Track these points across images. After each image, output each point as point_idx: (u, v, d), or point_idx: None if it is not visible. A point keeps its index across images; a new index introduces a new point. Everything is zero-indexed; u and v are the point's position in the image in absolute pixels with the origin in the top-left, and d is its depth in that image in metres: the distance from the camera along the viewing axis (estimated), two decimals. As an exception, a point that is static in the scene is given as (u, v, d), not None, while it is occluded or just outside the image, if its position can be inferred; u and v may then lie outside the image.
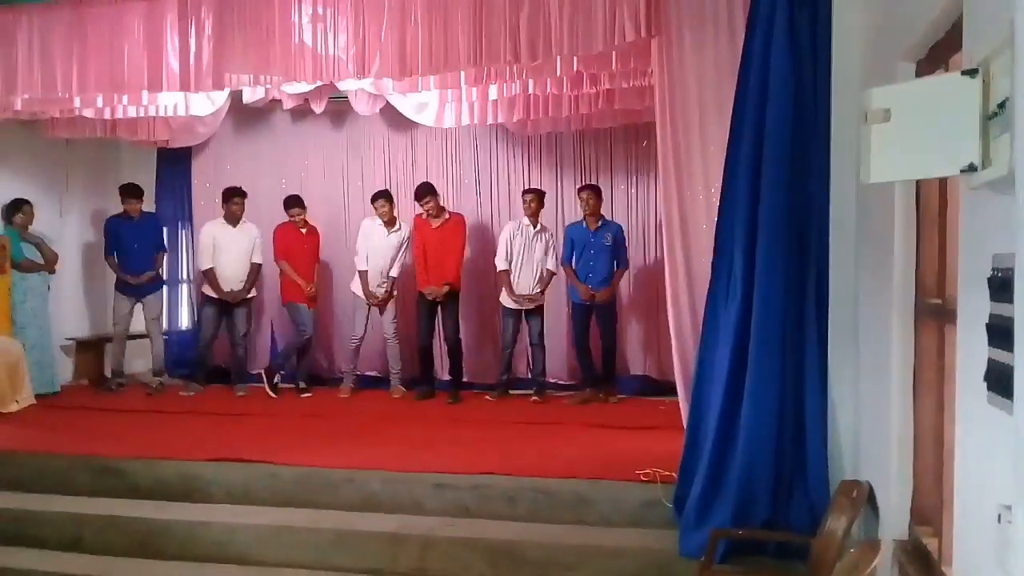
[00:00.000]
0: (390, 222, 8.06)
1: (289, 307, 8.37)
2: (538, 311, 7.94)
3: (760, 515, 4.26)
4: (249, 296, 8.37)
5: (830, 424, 4.27)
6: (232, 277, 8.25)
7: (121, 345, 8.59)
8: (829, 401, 4.28)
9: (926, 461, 3.29)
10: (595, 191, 7.74)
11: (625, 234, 7.91)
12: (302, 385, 8.35)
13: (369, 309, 8.18)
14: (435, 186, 8.06)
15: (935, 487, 3.15)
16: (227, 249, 8.24)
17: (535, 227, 7.89)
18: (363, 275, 8.09)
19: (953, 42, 2.77)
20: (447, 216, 7.99)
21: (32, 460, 6.00)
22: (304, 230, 8.34)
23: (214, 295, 8.26)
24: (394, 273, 8.18)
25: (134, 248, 8.45)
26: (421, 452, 5.90)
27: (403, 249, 8.15)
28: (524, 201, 7.95)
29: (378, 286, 8.11)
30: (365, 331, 8.23)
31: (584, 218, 7.71)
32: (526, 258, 7.89)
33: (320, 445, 6.14)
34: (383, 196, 8.07)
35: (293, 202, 8.29)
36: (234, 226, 8.29)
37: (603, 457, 5.68)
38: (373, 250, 8.08)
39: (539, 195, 7.98)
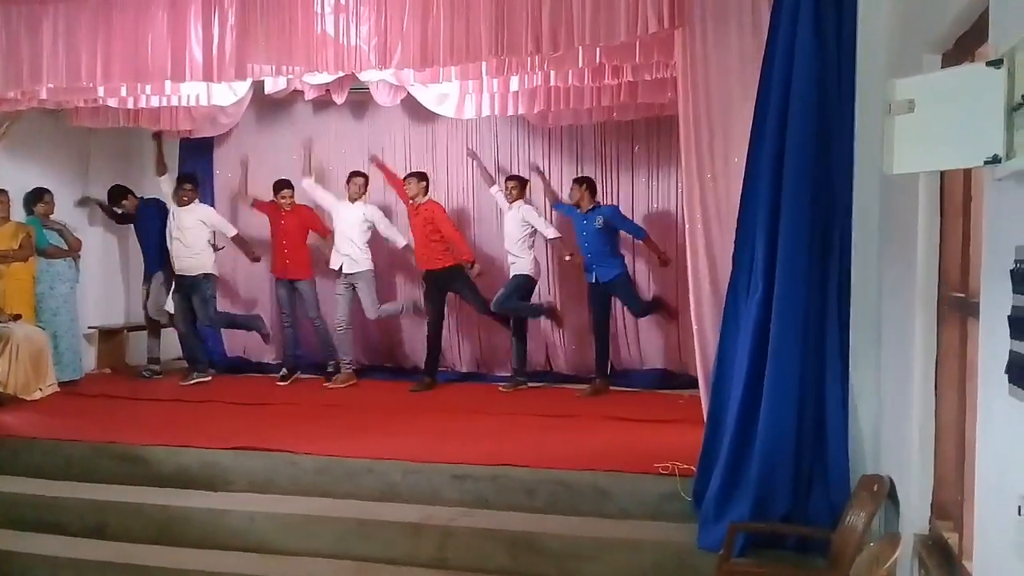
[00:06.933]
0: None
1: None
2: (516, 279, 7.94)
3: (779, 509, 4.25)
4: (197, 275, 8.30)
5: (851, 418, 4.26)
6: (180, 256, 8.30)
7: (153, 333, 8.76)
8: (850, 394, 4.26)
9: (948, 455, 3.27)
10: (579, 183, 7.82)
11: (619, 211, 7.92)
12: (330, 369, 8.41)
13: (351, 292, 8.27)
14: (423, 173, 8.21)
15: (956, 481, 3.14)
16: (178, 232, 8.33)
17: (508, 209, 8.06)
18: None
19: (980, 33, 2.75)
20: (423, 201, 8.05)
21: (55, 447, 6.07)
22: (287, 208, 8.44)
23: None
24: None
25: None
26: (440, 443, 5.92)
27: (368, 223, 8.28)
28: (506, 188, 8.11)
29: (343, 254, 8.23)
30: (347, 314, 8.30)
31: (577, 203, 7.81)
32: (505, 237, 8.06)
33: (340, 435, 6.17)
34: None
35: (282, 185, 8.44)
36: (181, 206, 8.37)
37: (622, 450, 5.67)
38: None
39: (520, 182, 8.13)
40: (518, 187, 8.07)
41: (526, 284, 7.97)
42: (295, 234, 8.42)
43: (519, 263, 7.95)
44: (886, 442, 3.96)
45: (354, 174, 8.33)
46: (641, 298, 7.95)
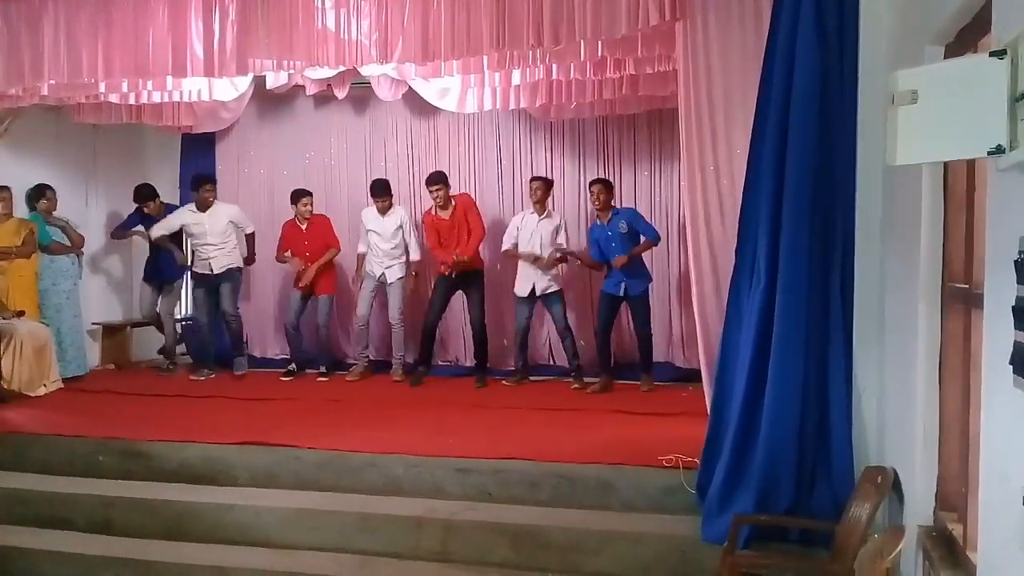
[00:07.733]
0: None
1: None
2: (557, 297, 7.89)
3: (783, 501, 4.25)
4: (225, 270, 8.36)
5: (854, 409, 4.25)
6: (215, 256, 8.33)
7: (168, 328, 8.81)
8: (854, 386, 4.25)
9: (952, 446, 3.27)
10: (605, 185, 7.63)
11: (640, 214, 7.77)
12: (322, 369, 8.43)
13: (375, 291, 8.27)
14: (446, 175, 8.07)
15: (960, 472, 3.14)
16: (200, 234, 8.34)
17: (540, 215, 7.87)
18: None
19: (982, 25, 2.74)
20: (454, 204, 7.96)
21: (61, 443, 6.07)
22: (304, 225, 8.42)
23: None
24: (414, 256, 8.26)
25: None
26: (443, 437, 5.92)
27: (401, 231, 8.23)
28: (530, 189, 7.97)
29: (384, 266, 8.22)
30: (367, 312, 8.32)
31: (597, 214, 7.63)
32: (532, 247, 7.84)
33: (342, 429, 6.17)
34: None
35: (302, 193, 8.43)
36: (204, 211, 8.35)
37: (625, 443, 5.66)
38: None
39: (545, 183, 7.95)
40: (543, 187, 7.88)
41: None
42: (317, 247, 8.40)
43: (555, 277, 7.90)
44: (890, 434, 3.96)
45: (380, 190, 8.22)
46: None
